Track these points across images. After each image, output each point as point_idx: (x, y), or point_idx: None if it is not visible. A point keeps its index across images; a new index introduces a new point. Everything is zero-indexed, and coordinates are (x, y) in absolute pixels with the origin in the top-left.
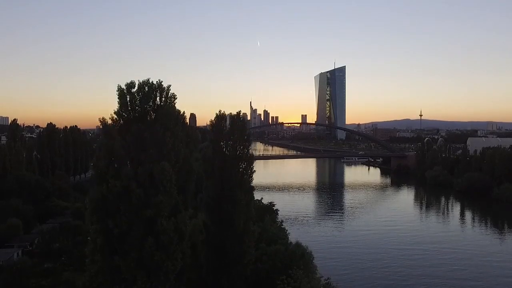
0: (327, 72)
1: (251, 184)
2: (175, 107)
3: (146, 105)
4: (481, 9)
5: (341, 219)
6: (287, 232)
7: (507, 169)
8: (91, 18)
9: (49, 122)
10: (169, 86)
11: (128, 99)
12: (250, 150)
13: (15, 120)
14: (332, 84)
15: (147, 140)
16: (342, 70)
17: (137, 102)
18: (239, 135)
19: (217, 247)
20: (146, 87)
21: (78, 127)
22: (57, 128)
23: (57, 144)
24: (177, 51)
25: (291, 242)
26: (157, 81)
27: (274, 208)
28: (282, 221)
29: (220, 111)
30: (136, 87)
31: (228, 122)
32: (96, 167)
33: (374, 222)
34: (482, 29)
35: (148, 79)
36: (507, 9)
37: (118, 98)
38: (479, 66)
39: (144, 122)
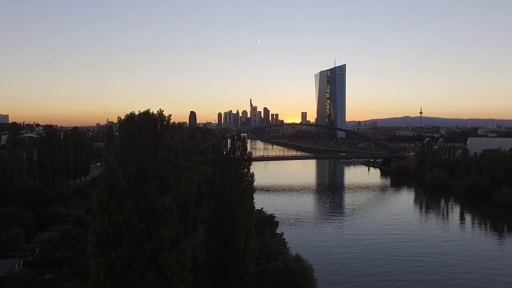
0: (327, 70)
1: (252, 203)
2: (176, 135)
3: (146, 137)
4: (481, 7)
5: (341, 225)
6: (287, 243)
7: (507, 172)
8: (91, 15)
9: (49, 124)
10: (169, 116)
11: (128, 130)
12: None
13: (15, 123)
14: (332, 82)
15: (148, 173)
16: (342, 68)
17: (138, 133)
18: (240, 154)
19: (217, 266)
20: (146, 118)
21: (78, 125)
22: (57, 126)
23: (57, 147)
24: (177, 49)
25: (291, 255)
26: (157, 111)
27: (275, 219)
28: (282, 233)
29: (219, 135)
30: (136, 118)
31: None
32: (98, 199)
33: (374, 228)
34: (482, 26)
35: (148, 110)
36: (507, 7)
37: (118, 129)
38: (479, 63)
39: (145, 154)
